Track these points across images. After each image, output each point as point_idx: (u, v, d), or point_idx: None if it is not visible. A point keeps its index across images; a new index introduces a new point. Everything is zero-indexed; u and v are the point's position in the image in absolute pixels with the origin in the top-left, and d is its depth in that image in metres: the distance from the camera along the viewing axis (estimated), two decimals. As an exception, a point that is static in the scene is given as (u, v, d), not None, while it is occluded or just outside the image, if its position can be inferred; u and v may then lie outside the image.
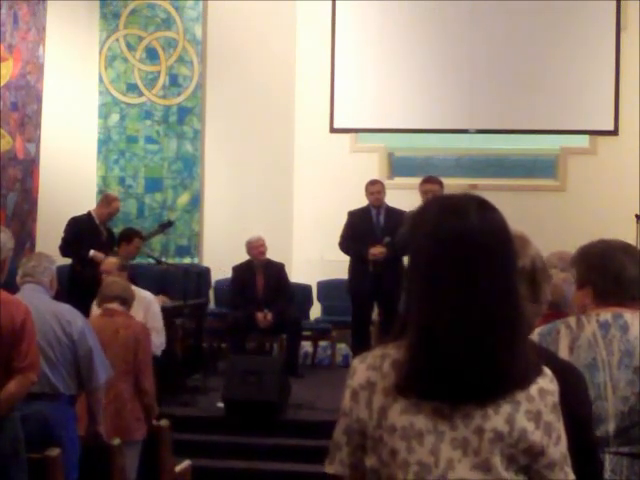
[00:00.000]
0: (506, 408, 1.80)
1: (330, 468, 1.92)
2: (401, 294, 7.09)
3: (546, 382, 1.86)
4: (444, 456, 1.79)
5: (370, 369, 1.87)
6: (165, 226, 9.43)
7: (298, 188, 11.12)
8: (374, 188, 9.11)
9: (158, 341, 6.70)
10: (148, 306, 6.77)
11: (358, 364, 1.90)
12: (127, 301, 5.74)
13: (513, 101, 10.95)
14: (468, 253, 1.80)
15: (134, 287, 6.90)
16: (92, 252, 8.37)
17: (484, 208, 1.85)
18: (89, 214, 8.86)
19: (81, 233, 8.61)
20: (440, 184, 8.64)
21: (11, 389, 4.14)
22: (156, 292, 7.71)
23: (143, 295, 6.88)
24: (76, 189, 9.99)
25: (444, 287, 1.80)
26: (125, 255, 8.05)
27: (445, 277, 1.80)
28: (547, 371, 1.88)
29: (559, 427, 1.86)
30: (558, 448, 1.85)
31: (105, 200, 9.04)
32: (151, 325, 6.68)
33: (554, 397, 1.86)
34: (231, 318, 9.25)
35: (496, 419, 1.80)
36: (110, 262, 6.94)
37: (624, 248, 2.93)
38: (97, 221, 8.82)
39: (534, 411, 1.82)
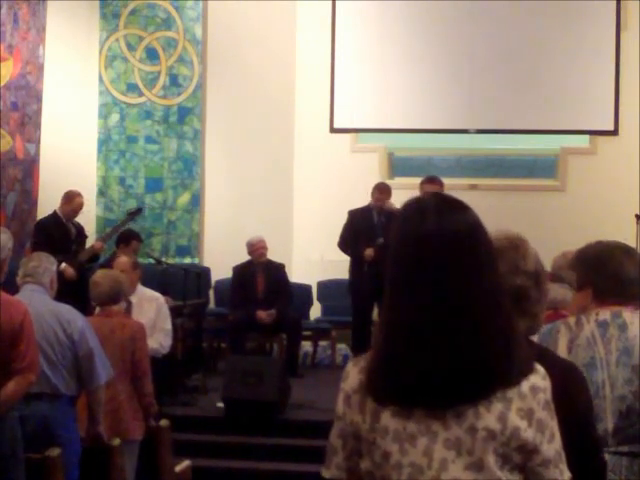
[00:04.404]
0: (498, 406, 1.80)
1: (327, 473, 1.93)
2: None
3: (538, 379, 1.85)
4: (437, 457, 1.80)
5: (362, 373, 1.87)
6: (134, 214, 9.31)
7: (298, 188, 11.12)
8: (381, 196, 9.04)
9: (165, 342, 6.72)
10: (159, 307, 6.79)
11: (351, 368, 1.91)
12: (118, 299, 5.67)
13: (513, 101, 10.95)
14: (429, 255, 1.80)
15: (144, 288, 6.91)
16: (63, 265, 8.22)
17: (445, 209, 1.84)
18: (55, 214, 8.77)
19: (50, 234, 8.52)
20: (440, 184, 8.64)
21: (10, 389, 4.14)
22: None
23: (155, 296, 6.89)
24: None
25: (410, 288, 1.81)
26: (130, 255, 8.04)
27: (411, 278, 1.82)
28: (539, 368, 1.87)
29: (552, 425, 1.85)
30: (552, 445, 1.84)
31: (67, 197, 8.83)
32: (160, 326, 6.70)
33: (546, 394, 1.85)
34: (231, 318, 9.25)
35: (488, 417, 1.79)
36: (123, 262, 6.93)
37: (621, 248, 2.96)
38: (63, 219, 8.73)
39: (526, 409, 1.81)
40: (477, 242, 1.84)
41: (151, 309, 6.71)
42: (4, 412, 4.14)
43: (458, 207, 1.87)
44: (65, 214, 8.72)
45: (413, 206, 1.88)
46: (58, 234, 8.56)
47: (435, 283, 1.80)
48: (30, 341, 4.22)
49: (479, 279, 1.81)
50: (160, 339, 6.66)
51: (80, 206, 8.85)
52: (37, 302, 4.74)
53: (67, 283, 7.73)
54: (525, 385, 1.82)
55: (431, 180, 8.74)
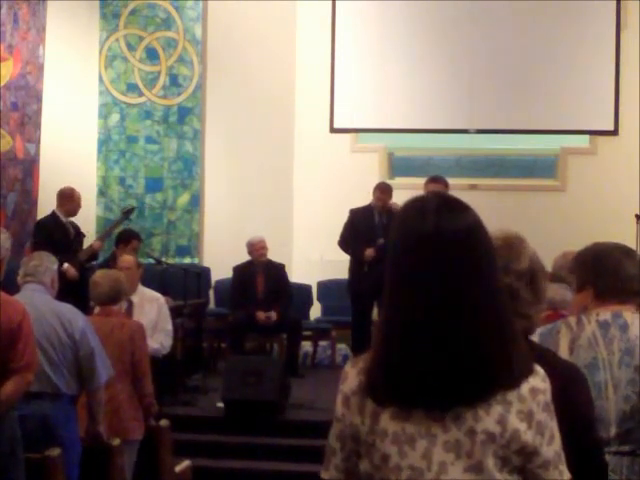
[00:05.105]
0: (497, 409, 1.79)
1: (326, 474, 1.93)
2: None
3: (537, 381, 1.84)
4: (436, 459, 1.79)
5: (361, 374, 1.86)
6: (128, 212, 9.29)
7: (298, 188, 11.12)
8: (382, 195, 9.05)
9: (166, 343, 6.73)
10: (160, 307, 6.80)
11: (350, 369, 1.90)
12: (117, 298, 5.65)
13: (513, 101, 10.95)
14: (429, 255, 1.79)
15: (144, 288, 6.92)
16: (66, 265, 8.22)
17: (446, 209, 1.83)
18: (53, 213, 8.75)
19: (50, 234, 8.51)
20: (445, 184, 8.64)
21: (8, 389, 4.14)
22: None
23: (156, 296, 6.90)
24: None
25: (409, 288, 1.80)
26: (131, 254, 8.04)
27: (410, 278, 1.81)
28: (539, 370, 1.86)
29: (552, 426, 1.85)
30: (552, 447, 1.84)
31: (66, 196, 8.72)
32: (161, 327, 6.71)
33: (546, 396, 1.84)
34: (231, 318, 9.26)
35: (487, 420, 1.79)
36: (127, 259, 6.94)
37: (620, 248, 2.98)
38: (63, 219, 8.71)
39: (526, 411, 1.81)
40: (477, 242, 1.83)
41: (153, 310, 6.72)
42: (4, 412, 4.14)
43: (459, 207, 1.85)
44: (67, 212, 8.72)
45: (413, 205, 1.87)
46: (58, 234, 8.56)
47: (434, 283, 1.79)
48: (28, 341, 4.22)
49: (479, 279, 1.80)
50: (161, 339, 6.67)
51: (80, 199, 8.86)
52: (38, 301, 4.74)
53: (68, 283, 7.74)
54: (525, 387, 1.82)
55: (435, 180, 8.74)
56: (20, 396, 4.24)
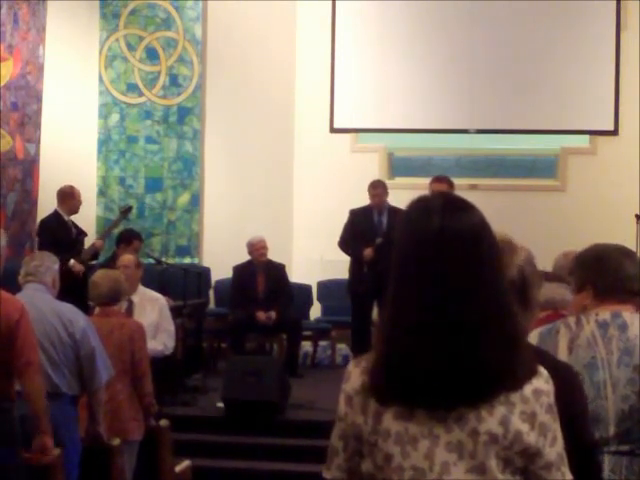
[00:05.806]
0: (500, 410, 1.79)
1: (328, 474, 1.93)
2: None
3: (541, 382, 1.84)
4: (439, 460, 1.79)
5: (365, 374, 1.86)
6: (126, 211, 9.30)
7: (298, 188, 11.12)
8: (375, 191, 9.10)
9: (169, 344, 6.73)
10: (161, 308, 6.80)
11: (353, 368, 1.90)
12: (117, 299, 5.65)
13: (513, 101, 10.95)
14: (434, 254, 1.79)
15: (145, 288, 6.92)
16: (72, 261, 8.24)
17: (451, 209, 1.83)
18: (56, 212, 8.77)
19: (54, 233, 8.52)
20: (449, 184, 8.65)
21: (27, 388, 4.17)
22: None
23: (157, 297, 6.90)
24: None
25: (413, 287, 1.80)
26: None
27: (414, 278, 1.80)
28: (543, 371, 1.86)
29: (555, 427, 1.85)
30: (554, 449, 1.84)
31: (66, 194, 8.72)
32: (164, 327, 6.71)
33: (549, 397, 1.84)
34: (231, 318, 9.26)
35: (490, 421, 1.79)
36: (128, 258, 6.94)
37: (620, 249, 2.99)
38: (65, 218, 8.73)
39: (529, 412, 1.81)
40: (482, 242, 1.83)
41: (154, 311, 6.72)
42: (43, 406, 4.21)
43: (464, 206, 1.86)
44: (69, 210, 8.74)
45: (418, 205, 1.87)
46: (60, 232, 8.58)
47: (438, 282, 1.79)
48: (26, 337, 4.22)
49: (483, 279, 1.80)
50: (164, 340, 6.68)
51: (80, 196, 8.89)
52: (39, 301, 4.74)
53: (69, 282, 7.75)
54: (528, 388, 1.82)
55: (439, 179, 8.76)
56: (41, 387, 4.26)
